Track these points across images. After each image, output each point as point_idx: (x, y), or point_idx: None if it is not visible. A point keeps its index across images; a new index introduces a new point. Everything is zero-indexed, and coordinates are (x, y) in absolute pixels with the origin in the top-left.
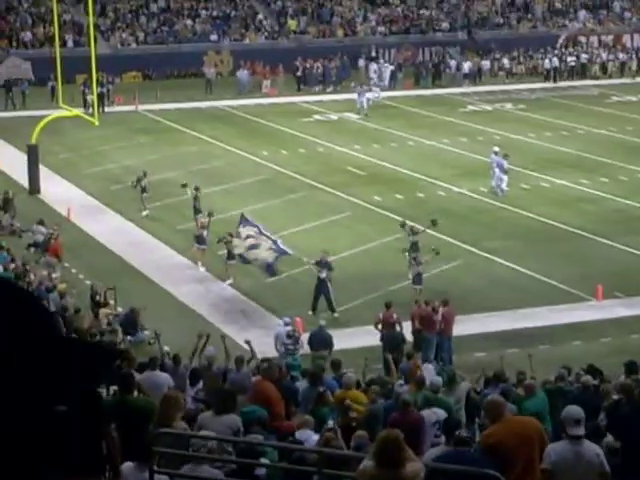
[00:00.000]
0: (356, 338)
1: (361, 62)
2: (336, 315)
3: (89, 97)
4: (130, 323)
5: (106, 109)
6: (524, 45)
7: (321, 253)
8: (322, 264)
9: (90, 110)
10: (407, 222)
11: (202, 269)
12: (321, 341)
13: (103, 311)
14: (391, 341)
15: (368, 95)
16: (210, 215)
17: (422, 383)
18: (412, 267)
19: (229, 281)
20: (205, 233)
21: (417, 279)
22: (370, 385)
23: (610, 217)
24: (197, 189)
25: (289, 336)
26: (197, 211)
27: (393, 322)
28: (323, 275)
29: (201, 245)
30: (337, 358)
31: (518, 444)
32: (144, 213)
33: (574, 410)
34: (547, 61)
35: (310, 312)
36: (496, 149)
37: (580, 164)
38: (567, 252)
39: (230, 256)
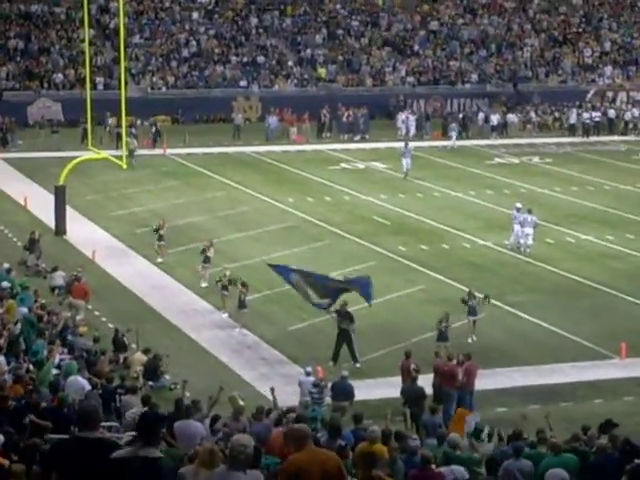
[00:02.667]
0: (377, 389)
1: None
2: (358, 365)
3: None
4: (152, 369)
5: (154, 151)
6: (552, 99)
7: (341, 303)
8: (342, 314)
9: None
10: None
11: (225, 315)
12: (342, 392)
13: (138, 357)
14: (411, 395)
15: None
16: (244, 285)
17: (442, 438)
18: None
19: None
20: (227, 281)
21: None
22: (387, 438)
23: (636, 274)
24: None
25: (315, 385)
26: (207, 260)
27: (414, 376)
28: (344, 325)
29: (224, 292)
30: (359, 411)
31: (318, 473)
32: (159, 260)
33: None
34: (574, 115)
35: (331, 363)
36: (519, 205)
37: (606, 220)
38: (591, 308)
39: (241, 304)
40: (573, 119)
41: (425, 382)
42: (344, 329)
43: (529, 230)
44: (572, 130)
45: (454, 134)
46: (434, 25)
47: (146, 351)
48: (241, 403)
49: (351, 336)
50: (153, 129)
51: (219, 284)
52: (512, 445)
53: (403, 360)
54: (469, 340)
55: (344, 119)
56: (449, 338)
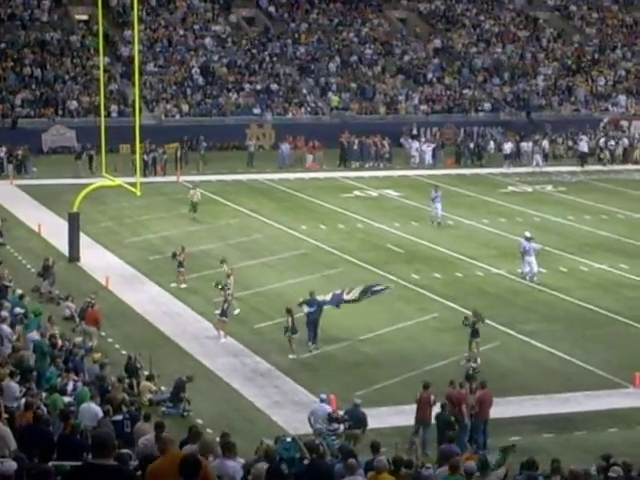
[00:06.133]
0: (390, 417)
1: (403, 141)
2: (312, 348)
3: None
4: (178, 390)
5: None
6: (566, 128)
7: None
8: (310, 302)
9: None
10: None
11: (223, 340)
12: (355, 420)
13: (146, 384)
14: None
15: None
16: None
17: (456, 468)
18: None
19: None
20: (226, 306)
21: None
22: (397, 465)
23: None
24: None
25: (331, 419)
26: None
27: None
28: (308, 310)
29: (223, 318)
30: (376, 440)
31: (174, 474)
32: (182, 286)
33: None
34: (584, 144)
35: (310, 345)
36: (528, 234)
37: (620, 248)
38: (605, 337)
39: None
40: (584, 147)
41: (435, 410)
42: (307, 314)
43: (531, 259)
44: (583, 159)
45: (539, 157)
46: (437, 43)
47: (150, 378)
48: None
49: (316, 321)
50: (165, 156)
51: (218, 310)
52: (525, 474)
53: (421, 391)
54: (473, 364)
55: (355, 147)
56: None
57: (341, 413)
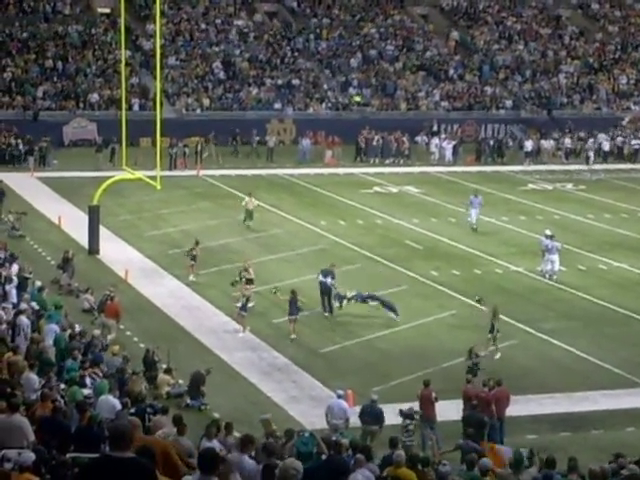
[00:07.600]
0: None
1: (418, 138)
2: (327, 315)
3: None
4: (197, 384)
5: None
6: (587, 126)
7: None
8: (325, 273)
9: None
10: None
11: (241, 334)
12: (372, 416)
13: (163, 377)
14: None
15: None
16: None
17: (472, 464)
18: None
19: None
20: (244, 300)
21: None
22: (413, 462)
23: None
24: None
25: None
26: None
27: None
28: (321, 279)
29: (242, 312)
30: (395, 435)
31: None
32: (190, 277)
33: None
34: (608, 142)
35: (325, 314)
36: (548, 232)
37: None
38: (623, 336)
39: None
40: (605, 146)
41: (451, 407)
42: (322, 282)
43: (554, 257)
44: (587, 158)
45: (591, 154)
46: (458, 39)
47: (168, 371)
48: (274, 427)
49: (332, 291)
50: (186, 150)
51: (239, 304)
52: (542, 473)
53: (422, 389)
54: (475, 359)
55: (374, 143)
56: (477, 374)
57: (414, 408)
